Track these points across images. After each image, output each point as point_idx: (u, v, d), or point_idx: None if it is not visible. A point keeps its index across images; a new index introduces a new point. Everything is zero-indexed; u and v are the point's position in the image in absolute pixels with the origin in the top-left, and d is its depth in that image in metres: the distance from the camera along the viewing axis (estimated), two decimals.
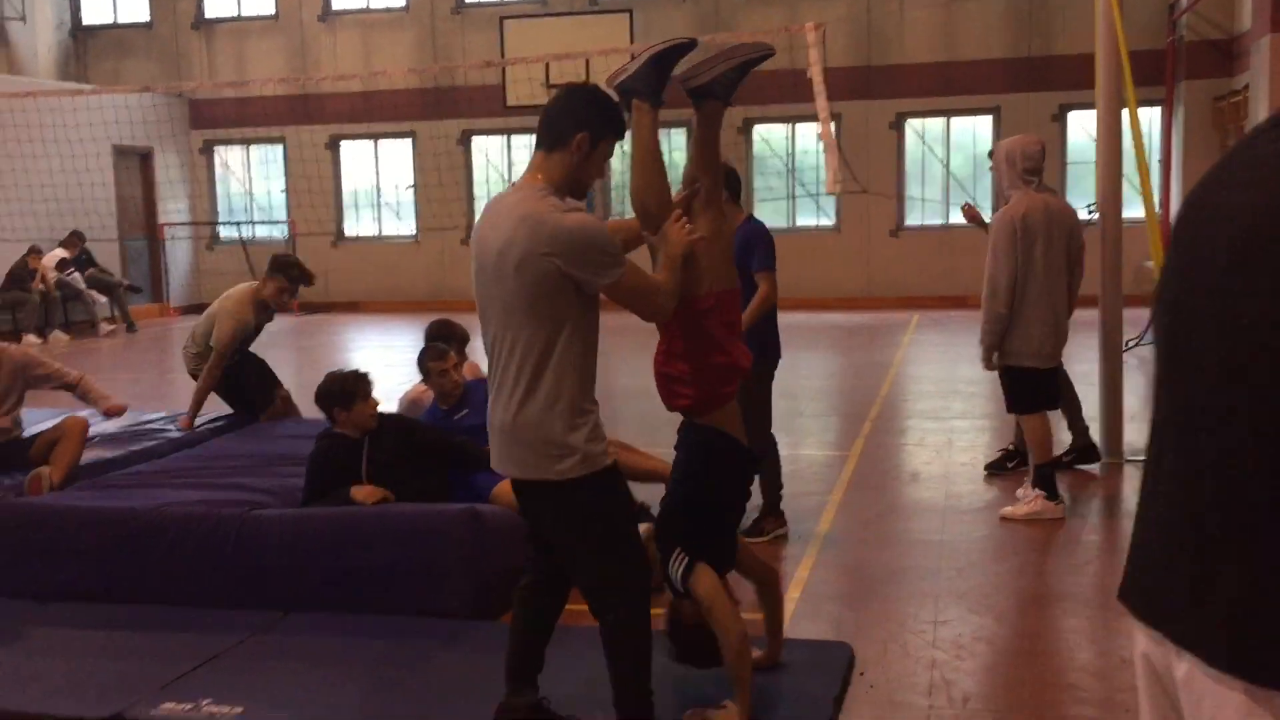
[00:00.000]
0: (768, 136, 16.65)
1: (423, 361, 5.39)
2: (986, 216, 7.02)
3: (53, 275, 14.61)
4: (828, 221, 16.65)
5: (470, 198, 17.38)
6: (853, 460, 7.08)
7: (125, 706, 3.64)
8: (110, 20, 18.75)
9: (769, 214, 16.74)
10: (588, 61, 15.15)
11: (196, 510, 4.67)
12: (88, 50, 18.76)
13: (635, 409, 9.20)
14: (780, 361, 5.58)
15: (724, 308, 3.40)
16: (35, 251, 14.52)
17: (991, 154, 6.72)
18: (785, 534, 5.44)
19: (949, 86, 15.75)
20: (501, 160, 17.51)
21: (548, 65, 15.14)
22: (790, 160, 16.62)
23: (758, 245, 5.19)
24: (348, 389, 4.83)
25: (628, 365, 11.77)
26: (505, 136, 17.35)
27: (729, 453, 3.43)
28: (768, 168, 16.80)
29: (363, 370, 4.98)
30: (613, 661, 3.20)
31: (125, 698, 3.70)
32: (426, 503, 4.66)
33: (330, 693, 3.77)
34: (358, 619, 4.33)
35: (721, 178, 3.58)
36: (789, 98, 14.00)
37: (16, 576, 4.74)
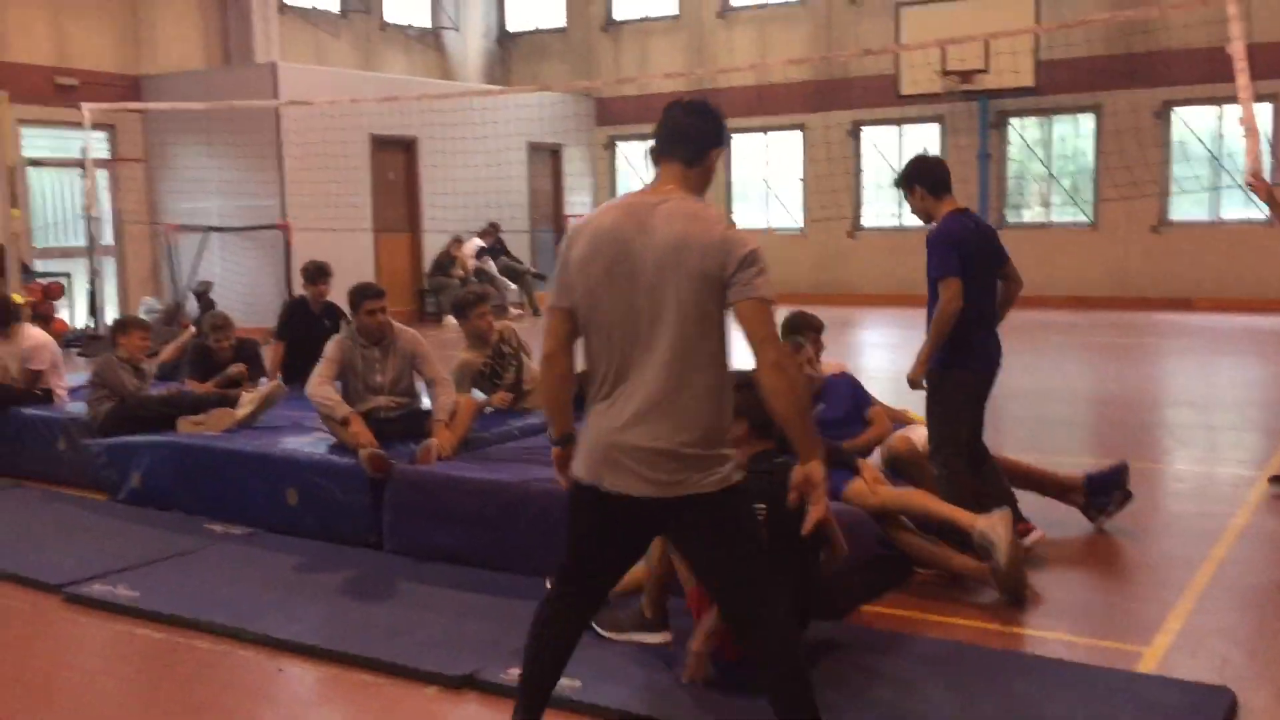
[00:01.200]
0: (1190, 120, 15.15)
1: None
2: None
3: (471, 263, 16.00)
4: (1260, 215, 14.91)
5: (858, 188, 17.17)
6: (1266, 480, 6.27)
7: (478, 668, 3.88)
8: (531, 26, 20.25)
9: (1189, 206, 15.31)
10: (987, 44, 14.49)
11: (557, 487, 4.88)
12: (511, 55, 20.36)
13: (1024, 411, 8.68)
14: (998, 372, 5.04)
15: None
16: (457, 241, 15.97)
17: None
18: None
19: None
20: (893, 151, 17.14)
21: (944, 51, 14.64)
22: (1217, 146, 15.03)
23: (931, 252, 4.80)
24: None
25: (1020, 361, 11.18)
26: (897, 127, 16.98)
27: None
28: (1190, 154, 15.30)
29: None
30: (784, 678, 3.03)
31: (479, 660, 3.94)
32: None
33: (666, 674, 3.82)
34: None
35: None
36: (1214, 77, 12.65)
37: (403, 536, 5.21)
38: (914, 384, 4.94)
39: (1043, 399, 9.12)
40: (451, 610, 4.50)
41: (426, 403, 6.14)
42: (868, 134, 17.20)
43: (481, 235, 16.36)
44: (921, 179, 4.91)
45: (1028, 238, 16.26)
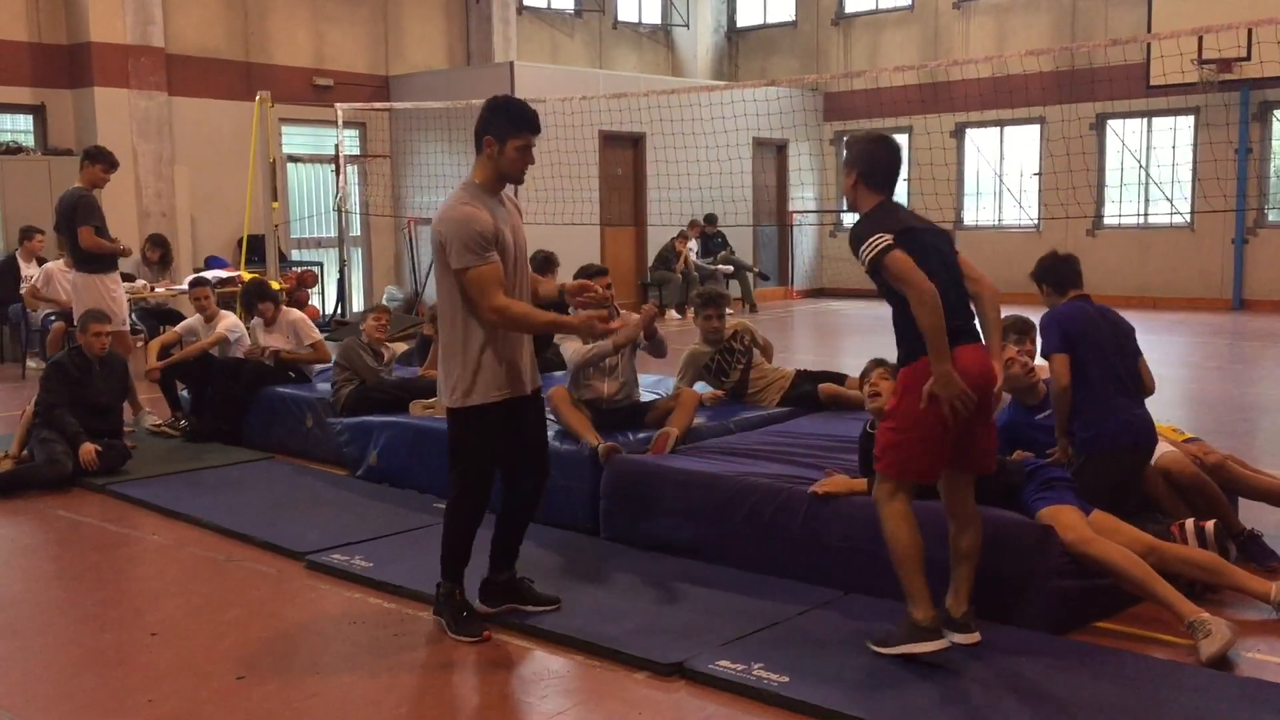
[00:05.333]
0: None
1: None
2: None
3: (692, 258, 16.12)
4: None
5: (1100, 185, 16.32)
6: None
7: (687, 657, 3.92)
8: (760, 21, 20.23)
9: None
10: (1250, 31, 13.49)
11: (772, 484, 4.89)
12: (739, 50, 20.40)
13: (1275, 421, 8.11)
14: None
15: None
16: (682, 236, 16.12)
17: None
18: None
19: None
20: (1139, 145, 16.21)
21: (1200, 39, 13.73)
22: None
23: (1043, 333, 4.87)
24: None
25: (1273, 376, 10.39)
26: (1145, 119, 16.06)
27: None
28: None
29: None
30: (443, 533, 4.30)
31: (688, 649, 3.98)
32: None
33: (872, 676, 3.77)
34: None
35: None
36: None
37: (618, 524, 5.33)
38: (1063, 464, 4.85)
39: None
40: (663, 599, 4.57)
41: (645, 396, 6.24)
42: (1113, 127, 16.34)
43: (688, 227, 16.35)
44: (1047, 277, 5.11)
45: None
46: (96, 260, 8.19)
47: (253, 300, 8.14)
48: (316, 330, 8.15)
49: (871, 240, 3.80)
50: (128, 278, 10.72)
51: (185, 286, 11.09)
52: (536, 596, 4.44)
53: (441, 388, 4.22)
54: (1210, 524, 4.57)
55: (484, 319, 4.03)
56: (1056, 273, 5.09)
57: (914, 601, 3.84)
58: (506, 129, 4.09)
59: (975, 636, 3.86)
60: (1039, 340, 5.12)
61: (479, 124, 4.11)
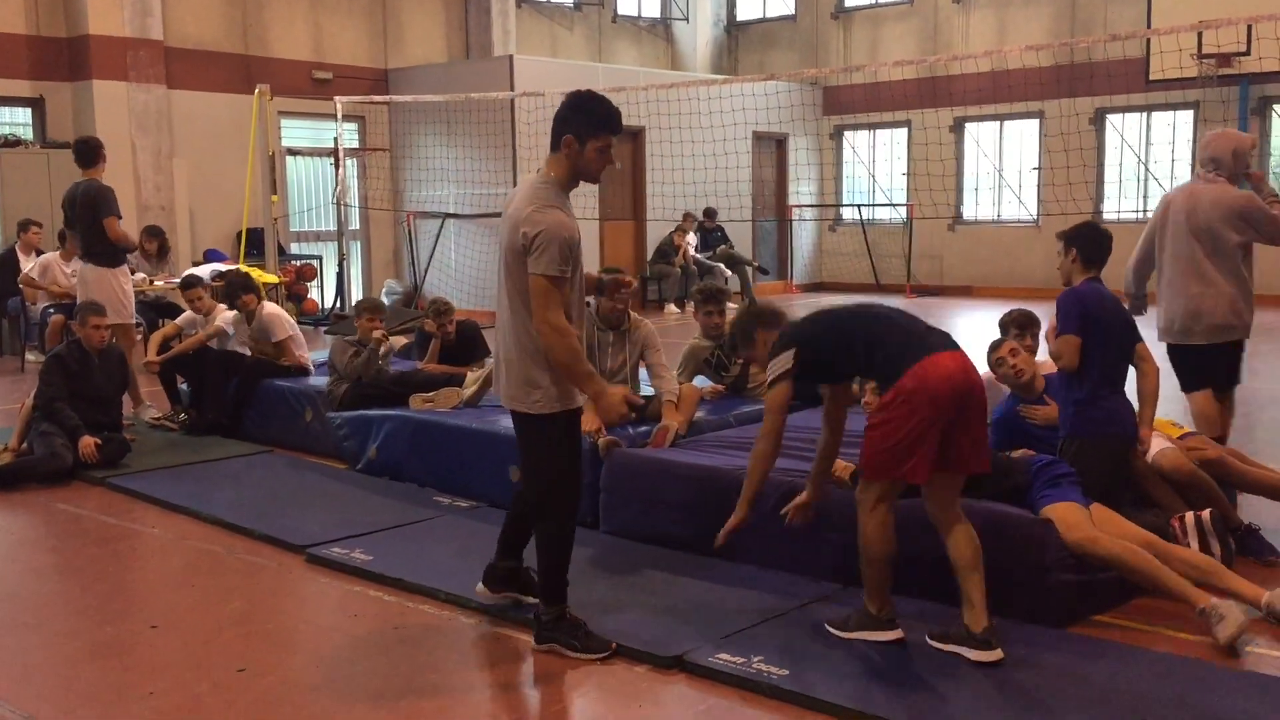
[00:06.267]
0: None
1: (989, 352, 5.20)
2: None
3: (691, 252, 16.11)
4: None
5: (1100, 180, 16.33)
6: None
7: (687, 650, 3.93)
8: (759, 15, 20.21)
9: None
10: (1250, 27, 13.49)
11: (772, 477, 4.86)
12: (739, 44, 20.38)
13: (1274, 416, 8.12)
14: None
15: None
16: (679, 230, 16.10)
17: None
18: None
19: None
20: (1139, 140, 16.21)
21: (1200, 34, 13.72)
22: None
23: (1061, 310, 4.83)
24: None
25: (1271, 370, 10.39)
26: (1145, 114, 16.06)
27: None
28: None
29: None
30: (539, 559, 4.06)
31: (688, 643, 3.99)
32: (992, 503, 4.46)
33: (872, 669, 3.78)
34: (911, 603, 4.27)
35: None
36: None
37: (617, 517, 5.33)
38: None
39: None
40: (663, 592, 4.57)
41: (645, 391, 6.24)
42: (1112, 121, 16.34)
43: (683, 219, 16.28)
44: (1080, 243, 4.91)
45: None
46: (107, 254, 8.14)
47: (236, 293, 8.02)
48: (286, 329, 7.98)
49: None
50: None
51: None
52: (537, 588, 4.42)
53: (516, 393, 3.93)
54: (1206, 512, 4.58)
55: (537, 327, 3.81)
56: (1095, 245, 4.89)
57: (871, 595, 4.01)
58: (588, 127, 3.85)
59: (997, 654, 3.77)
60: (1041, 334, 5.11)
61: (558, 120, 3.88)
